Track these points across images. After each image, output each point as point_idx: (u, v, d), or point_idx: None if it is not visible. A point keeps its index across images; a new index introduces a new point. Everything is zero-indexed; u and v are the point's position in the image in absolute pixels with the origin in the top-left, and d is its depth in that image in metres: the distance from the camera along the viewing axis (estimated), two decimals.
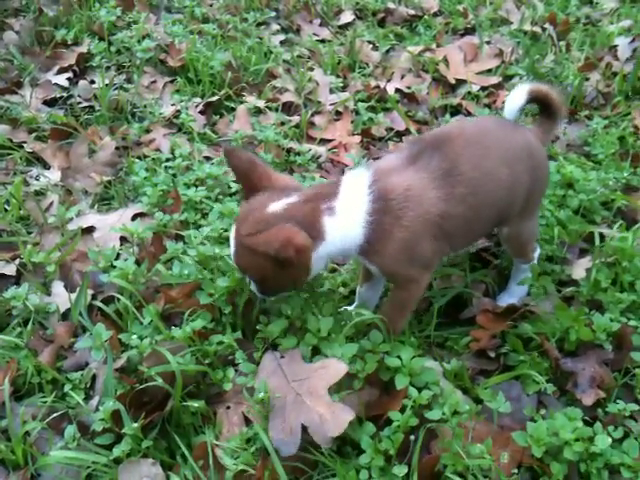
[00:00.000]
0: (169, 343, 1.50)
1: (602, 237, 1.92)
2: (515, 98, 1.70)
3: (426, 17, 3.69)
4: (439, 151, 1.50)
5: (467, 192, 1.50)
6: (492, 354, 1.62)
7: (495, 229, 1.74)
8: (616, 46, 3.28)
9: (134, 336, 1.55)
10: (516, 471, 1.31)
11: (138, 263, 1.77)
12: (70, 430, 1.42)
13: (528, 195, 1.63)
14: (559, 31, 3.44)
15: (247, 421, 1.45)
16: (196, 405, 1.42)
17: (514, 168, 1.57)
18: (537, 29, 3.51)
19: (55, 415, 1.48)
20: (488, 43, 3.31)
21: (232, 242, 1.48)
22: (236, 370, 1.53)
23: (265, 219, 1.42)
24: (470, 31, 3.56)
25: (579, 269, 1.87)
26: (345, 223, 1.45)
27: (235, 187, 2.18)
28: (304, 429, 1.33)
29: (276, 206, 1.44)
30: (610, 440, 1.32)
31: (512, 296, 1.78)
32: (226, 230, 1.89)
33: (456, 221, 1.50)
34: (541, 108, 1.77)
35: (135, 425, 1.35)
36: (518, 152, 1.60)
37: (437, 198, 1.47)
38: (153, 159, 2.37)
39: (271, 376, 1.45)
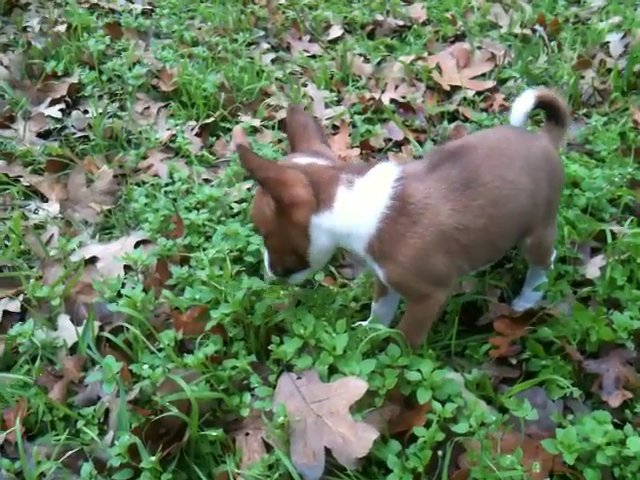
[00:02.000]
0: (182, 371, 1.45)
1: (613, 234, 1.89)
2: (522, 104, 1.68)
3: (415, 27, 3.68)
4: (460, 162, 1.47)
5: (488, 203, 1.46)
6: (513, 361, 1.58)
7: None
8: (608, 43, 3.29)
9: (145, 366, 1.51)
10: None
11: (145, 291, 1.74)
12: (86, 468, 1.37)
13: (548, 202, 1.60)
14: (549, 32, 3.45)
15: (267, 447, 1.40)
16: (214, 434, 1.37)
17: (535, 176, 1.54)
18: (527, 31, 3.51)
19: (70, 453, 1.43)
20: (479, 48, 3.30)
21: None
22: (252, 395, 1.48)
23: (284, 166, 1.45)
24: (460, 37, 3.56)
25: (593, 268, 1.84)
26: (359, 202, 1.42)
27: (237, 208, 2.14)
28: (327, 451, 1.29)
29: (302, 161, 1.46)
30: None
31: (528, 301, 1.75)
32: (232, 251, 1.86)
33: (476, 234, 1.46)
34: (548, 114, 1.75)
35: (153, 458, 1.31)
36: (538, 160, 1.57)
37: (454, 210, 1.42)
38: (152, 185, 2.34)
39: (289, 399, 1.41)
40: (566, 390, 1.47)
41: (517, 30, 3.52)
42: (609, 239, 1.84)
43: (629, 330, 1.55)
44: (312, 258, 1.51)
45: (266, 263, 1.59)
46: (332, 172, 1.44)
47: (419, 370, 1.42)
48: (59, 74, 3.14)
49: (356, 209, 1.42)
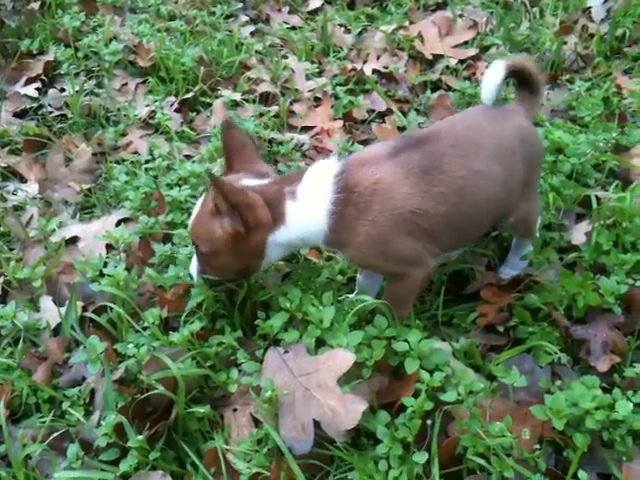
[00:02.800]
0: (167, 349, 1.44)
1: (598, 200, 1.89)
2: (492, 76, 1.62)
3: None
4: (423, 148, 1.46)
5: (450, 192, 1.44)
6: (501, 328, 1.58)
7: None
8: (589, 8, 3.24)
9: (130, 345, 1.49)
10: (538, 446, 1.27)
11: (127, 269, 1.71)
12: (73, 449, 1.36)
13: (526, 180, 1.59)
14: None
15: (256, 422, 1.40)
16: (202, 410, 1.36)
17: (508, 162, 1.52)
18: None
19: (55, 435, 1.41)
20: (461, 16, 3.25)
21: (196, 208, 1.52)
22: (239, 370, 1.47)
23: (245, 189, 1.45)
24: (442, 6, 3.49)
25: (578, 234, 1.84)
26: (306, 209, 1.45)
27: None
28: (316, 424, 1.28)
29: (248, 182, 1.48)
30: (631, 405, 1.28)
31: (514, 268, 1.74)
32: None
33: (437, 220, 1.45)
34: (520, 82, 1.70)
35: (140, 437, 1.30)
36: (511, 143, 1.54)
37: (409, 194, 1.42)
38: (132, 162, 2.30)
39: (276, 373, 1.39)
40: (554, 356, 1.46)
41: None
42: (594, 204, 1.83)
43: (616, 294, 1.55)
44: (258, 269, 1.55)
45: (193, 269, 1.57)
46: (276, 188, 1.47)
47: (406, 340, 1.41)
48: (34, 52, 3.06)
49: (305, 216, 1.45)
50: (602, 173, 2.09)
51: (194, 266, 1.56)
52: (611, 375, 1.44)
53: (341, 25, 3.36)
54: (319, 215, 1.44)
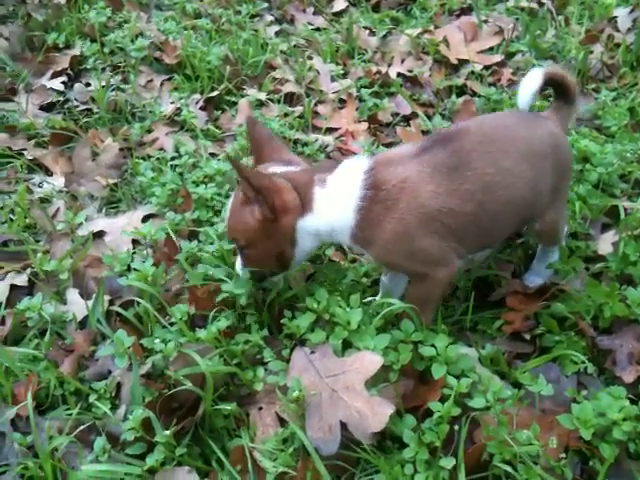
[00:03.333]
0: (195, 345, 1.44)
1: (624, 210, 1.88)
2: (530, 82, 1.63)
3: (420, 0, 3.63)
4: (450, 146, 1.46)
5: (476, 189, 1.44)
6: (527, 336, 1.58)
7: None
8: (616, 17, 3.22)
9: (157, 340, 1.50)
10: (564, 455, 1.27)
11: (155, 265, 1.72)
12: (99, 442, 1.36)
13: (555, 189, 1.58)
14: (556, 5, 3.38)
15: (281, 421, 1.40)
16: (228, 408, 1.37)
17: (538, 164, 1.52)
18: (534, 5, 3.45)
19: (82, 427, 1.42)
20: (486, 22, 3.25)
21: (228, 204, 1.54)
22: (265, 369, 1.48)
23: (271, 174, 1.48)
24: (466, 11, 3.49)
25: (605, 244, 1.83)
26: (335, 199, 1.46)
27: None
28: (343, 426, 1.28)
29: (277, 169, 1.50)
30: None
31: (540, 276, 1.74)
32: None
33: (463, 218, 1.44)
34: (557, 92, 1.70)
35: (167, 432, 1.30)
36: (542, 147, 1.54)
37: (436, 193, 1.42)
38: (158, 159, 2.31)
39: (303, 373, 1.40)
40: (580, 365, 1.46)
41: (524, 3, 3.45)
42: (622, 214, 1.83)
43: None
44: (295, 261, 1.54)
45: (239, 267, 1.59)
46: (306, 175, 1.49)
47: (433, 345, 1.41)
48: (60, 46, 3.09)
49: (333, 206, 1.46)
50: (628, 184, 2.08)
51: (239, 263, 1.58)
52: (637, 386, 1.43)
53: (366, 28, 3.36)
54: (347, 209, 1.44)
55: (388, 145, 2.43)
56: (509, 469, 1.23)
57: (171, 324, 1.58)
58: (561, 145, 1.60)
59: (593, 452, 1.29)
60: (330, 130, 2.56)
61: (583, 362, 1.45)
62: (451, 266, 1.50)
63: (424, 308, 1.52)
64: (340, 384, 1.35)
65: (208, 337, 1.46)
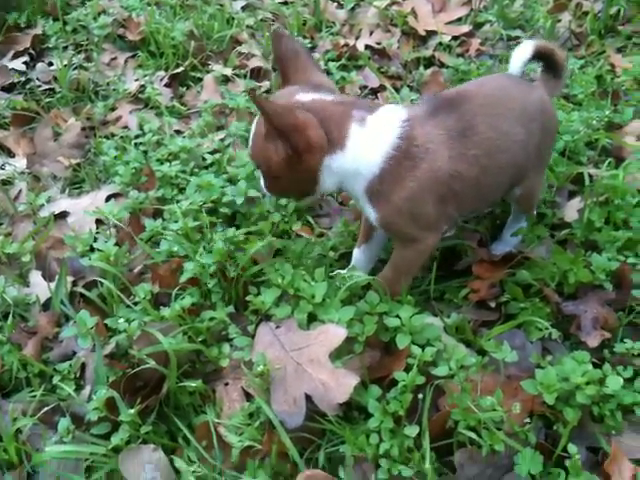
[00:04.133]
0: (159, 324, 1.43)
1: (590, 177, 1.88)
2: (521, 53, 1.62)
3: None
4: (457, 110, 1.43)
5: (481, 153, 1.43)
6: (492, 304, 1.58)
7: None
8: None
9: (121, 320, 1.48)
10: (528, 420, 1.27)
11: (118, 245, 1.70)
12: (64, 423, 1.35)
13: (540, 152, 1.58)
14: None
15: (247, 396, 1.39)
16: (193, 385, 1.36)
17: (529, 127, 1.51)
18: None
19: (46, 409, 1.41)
20: None
21: (252, 129, 1.43)
22: (231, 345, 1.47)
23: (294, 108, 1.33)
24: None
25: (570, 211, 1.83)
26: (370, 142, 1.37)
27: (210, 159, 2.09)
28: (308, 398, 1.28)
29: (304, 97, 1.37)
30: (621, 380, 1.29)
31: (507, 245, 1.74)
32: (205, 203, 1.81)
33: (468, 183, 1.43)
34: (545, 66, 1.70)
35: (131, 411, 1.29)
36: (533, 110, 1.53)
37: (450, 157, 1.40)
38: (122, 137, 2.28)
39: (268, 348, 1.39)
40: (545, 331, 1.47)
41: None
42: (587, 181, 1.83)
43: (607, 271, 1.55)
44: (315, 194, 1.47)
45: (262, 183, 1.51)
46: (343, 109, 1.37)
47: (398, 316, 1.41)
48: (22, 26, 3.04)
49: (366, 148, 1.37)
50: (595, 151, 2.08)
51: (261, 181, 1.50)
52: (601, 351, 1.44)
53: (333, 0, 3.32)
54: (378, 154, 1.37)
55: None
56: (473, 435, 1.24)
57: (135, 303, 1.56)
58: (549, 111, 1.61)
59: (557, 416, 1.30)
60: None
61: (547, 328, 1.46)
62: (439, 231, 1.50)
63: (404, 275, 1.51)
64: (305, 357, 1.34)
65: (172, 315, 1.45)
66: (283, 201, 1.87)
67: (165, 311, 1.47)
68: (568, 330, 1.51)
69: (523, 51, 1.63)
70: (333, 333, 1.36)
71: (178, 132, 2.35)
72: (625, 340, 1.42)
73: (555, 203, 1.88)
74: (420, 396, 1.28)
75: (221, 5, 3.18)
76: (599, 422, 1.31)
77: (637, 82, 2.42)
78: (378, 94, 2.59)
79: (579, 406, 1.28)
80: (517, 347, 1.44)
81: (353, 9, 3.25)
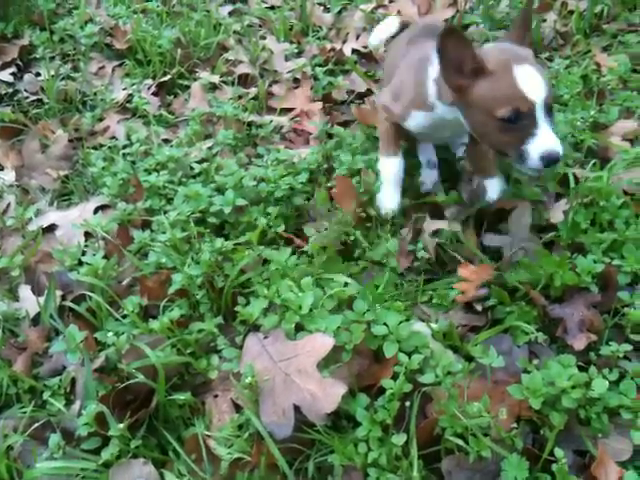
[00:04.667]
0: (147, 337, 1.44)
1: (576, 178, 1.89)
2: (385, 28, 2.06)
3: None
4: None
5: None
6: (479, 307, 1.59)
7: None
8: None
9: (110, 333, 1.48)
10: (515, 425, 1.28)
11: (106, 257, 1.70)
12: (54, 439, 1.35)
13: None
14: None
15: (237, 407, 1.40)
16: (182, 397, 1.37)
17: None
18: None
19: (37, 425, 1.41)
20: None
21: None
22: (220, 357, 1.47)
23: None
24: None
25: (557, 213, 1.83)
26: None
27: (198, 168, 2.09)
28: (296, 409, 1.29)
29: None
30: (607, 383, 1.30)
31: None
32: (194, 213, 1.82)
33: None
34: None
35: (121, 426, 1.30)
36: None
37: None
38: (110, 147, 2.28)
39: (256, 359, 1.40)
40: (531, 335, 1.48)
41: None
42: (572, 183, 1.84)
43: (593, 273, 1.56)
44: None
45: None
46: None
47: (385, 324, 1.42)
48: (9, 36, 3.03)
49: None
50: (581, 152, 2.09)
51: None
52: (587, 353, 1.45)
53: (320, 4, 3.33)
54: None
55: (343, 124, 2.41)
56: (460, 442, 1.25)
57: (124, 316, 1.56)
58: None
59: (544, 421, 1.31)
60: (285, 111, 2.53)
61: (533, 332, 1.47)
62: None
63: None
64: (293, 367, 1.35)
65: (160, 328, 1.45)
66: (270, 208, 1.87)
67: (154, 324, 1.47)
68: (555, 333, 1.52)
69: (388, 27, 1.99)
70: (320, 342, 1.37)
71: (166, 141, 2.35)
72: (610, 342, 1.43)
73: (542, 204, 1.88)
74: (407, 404, 1.29)
75: (207, 11, 3.19)
76: (586, 425, 1.32)
77: (622, 81, 2.43)
78: (365, 98, 2.60)
79: (565, 410, 1.29)
80: (504, 352, 1.46)
81: (340, 12, 3.26)
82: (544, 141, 1.46)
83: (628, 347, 1.41)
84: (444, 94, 1.63)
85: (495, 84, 1.48)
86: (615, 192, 1.77)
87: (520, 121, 1.46)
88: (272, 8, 3.33)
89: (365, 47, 2.89)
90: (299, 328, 1.45)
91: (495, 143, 1.56)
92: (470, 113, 1.57)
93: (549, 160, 1.46)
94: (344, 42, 2.96)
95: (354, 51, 2.86)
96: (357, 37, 3.00)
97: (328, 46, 2.89)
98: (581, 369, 1.34)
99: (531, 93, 1.45)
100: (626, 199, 1.77)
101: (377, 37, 1.98)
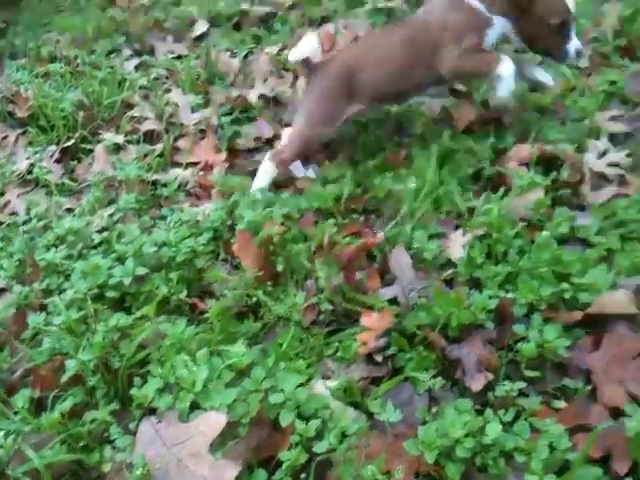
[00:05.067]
0: (35, 436, 1.38)
1: (472, 211, 1.91)
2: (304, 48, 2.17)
3: (280, 13, 3.62)
4: None
5: None
6: (379, 358, 1.57)
7: None
8: None
9: (1, 433, 1.43)
10: None
11: (0, 348, 1.65)
12: None
13: None
14: (413, 3, 3.43)
15: None
16: None
17: None
18: (392, 4, 3.49)
19: None
20: (346, 28, 3.26)
21: None
22: (113, 447, 1.43)
23: None
24: (327, 19, 3.51)
25: (456, 248, 1.84)
26: None
27: (98, 238, 2.04)
28: None
29: None
30: (500, 427, 1.30)
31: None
32: (90, 289, 1.77)
33: None
34: None
35: None
36: None
37: None
38: (8, 225, 2.22)
39: (149, 446, 1.35)
40: (429, 382, 1.47)
41: (381, 4, 3.49)
42: (465, 217, 1.85)
43: (488, 309, 1.56)
44: None
45: None
46: None
47: (282, 390, 1.40)
48: None
49: None
50: (479, 182, 2.10)
51: None
52: (486, 394, 1.44)
53: (227, 50, 3.33)
54: None
55: (252, 173, 2.39)
56: None
57: (16, 413, 1.51)
58: None
59: (440, 474, 1.30)
60: (191, 164, 2.51)
61: (429, 380, 1.46)
62: None
63: None
64: (186, 451, 1.31)
65: (49, 423, 1.40)
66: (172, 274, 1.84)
67: (44, 418, 1.42)
68: (454, 375, 1.52)
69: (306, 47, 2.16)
70: (215, 421, 1.33)
71: (70, 210, 2.31)
72: (504, 382, 1.42)
73: (443, 234, 1.89)
74: (302, 476, 1.26)
75: (112, 67, 3.16)
76: (484, 472, 1.31)
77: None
78: (274, 143, 2.59)
79: (461, 460, 1.28)
80: (404, 402, 1.45)
81: (247, 56, 3.26)
82: (577, 41, 2.06)
83: (522, 384, 1.40)
84: (497, 6, 2.05)
85: (551, 1, 2.01)
86: (508, 222, 1.79)
87: (564, 28, 2.02)
88: (179, 57, 3.33)
89: (272, 89, 2.90)
90: (195, 406, 1.42)
91: (546, 44, 2.07)
92: (526, 22, 2.04)
93: (579, 53, 2.08)
94: (252, 87, 2.96)
95: (261, 96, 2.86)
96: (264, 80, 3.00)
97: (234, 93, 2.88)
98: (479, 412, 1.34)
99: (571, 7, 2.02)
100: (521, 226, 1.79)
101: (297, 54, 2.17)
